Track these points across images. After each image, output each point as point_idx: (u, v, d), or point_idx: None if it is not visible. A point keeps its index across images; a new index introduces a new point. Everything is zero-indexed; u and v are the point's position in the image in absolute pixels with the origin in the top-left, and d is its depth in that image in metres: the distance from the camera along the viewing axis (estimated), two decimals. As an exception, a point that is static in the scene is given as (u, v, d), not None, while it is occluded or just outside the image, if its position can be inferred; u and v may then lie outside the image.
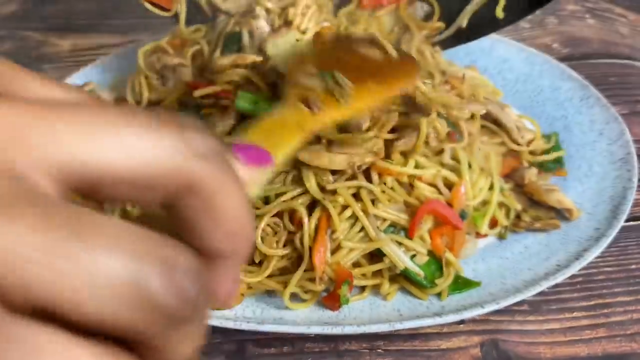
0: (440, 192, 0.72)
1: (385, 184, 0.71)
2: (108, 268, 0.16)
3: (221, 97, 0.70)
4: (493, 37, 0.98)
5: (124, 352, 0.18)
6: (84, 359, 0.17)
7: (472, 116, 0.77)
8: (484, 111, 0.79)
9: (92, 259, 0.16)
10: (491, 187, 0.75)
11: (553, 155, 0.81)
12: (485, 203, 0.75)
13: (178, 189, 0.19)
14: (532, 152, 0.82)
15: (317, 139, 0.70)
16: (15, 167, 0.18)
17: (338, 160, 0.68)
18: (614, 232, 0.71)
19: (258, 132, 0.38)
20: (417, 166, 0.72)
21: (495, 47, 0.97)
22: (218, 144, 0.21)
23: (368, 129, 0.71)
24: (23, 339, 0.16)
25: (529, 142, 0.81)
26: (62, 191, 0.18)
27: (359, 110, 0.60)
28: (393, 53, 0.64)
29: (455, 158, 0.75)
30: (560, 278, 0.67)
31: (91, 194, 0.19)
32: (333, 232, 0.67)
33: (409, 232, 0.69)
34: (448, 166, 0.74)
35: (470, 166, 0.74)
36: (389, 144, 0.72)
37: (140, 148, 0.18)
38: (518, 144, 0.80)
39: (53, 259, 0.16)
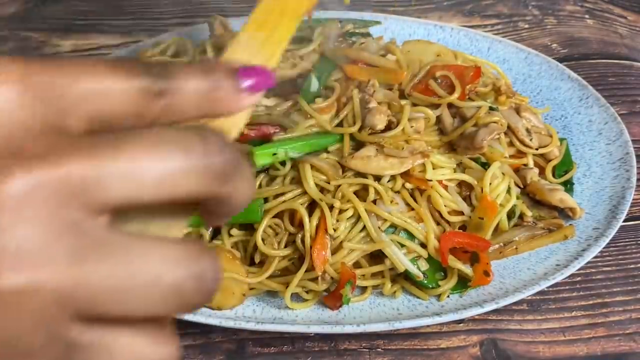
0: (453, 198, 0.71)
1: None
2: (170, 165, 0.22)
3: None
4: (492, 37, 0.99)
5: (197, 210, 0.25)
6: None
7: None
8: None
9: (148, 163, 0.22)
10: (507, 191, 0.74)
11: (564, 178, 0.80)
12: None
13: (199, 199, 0.24)
14: (544, 155, 0.81)
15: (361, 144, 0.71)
16: None
17: (389, 164, 0.69)
18: (612, 232, 0.71)
19: (256, 28, 0.37)
20: (434, 165, 0.72)
21: (494, 47, 0.97)
22: (235, 153, 0.24)
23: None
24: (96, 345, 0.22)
25: (540, 147, 0.80)
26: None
27: None
28: None
29: (472, 157, 0.74)
30: (559, 277, 0.67)
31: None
32: (327, 232, 0.67)
33: (441, 261, 0.68)
34: (464, 165, 0.74)
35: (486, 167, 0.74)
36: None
37: (167, 178, 0.22)
38: (525, 145, 0.79)
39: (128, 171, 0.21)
